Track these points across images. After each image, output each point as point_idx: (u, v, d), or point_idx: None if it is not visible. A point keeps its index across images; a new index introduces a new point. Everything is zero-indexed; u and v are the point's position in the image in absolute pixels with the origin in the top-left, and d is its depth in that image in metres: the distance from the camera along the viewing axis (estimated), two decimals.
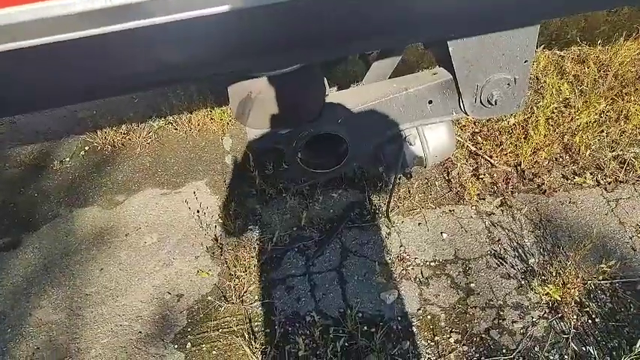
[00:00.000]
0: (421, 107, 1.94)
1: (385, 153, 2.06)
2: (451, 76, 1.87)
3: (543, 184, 2.50)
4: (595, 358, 1.84)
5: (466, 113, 1.96)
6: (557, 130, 2.67)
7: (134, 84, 1.50)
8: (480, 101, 1.91)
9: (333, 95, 2.01)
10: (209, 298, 2.22)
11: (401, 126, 1.98)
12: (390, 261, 2.27)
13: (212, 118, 3.05)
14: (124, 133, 3.04)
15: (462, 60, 1.78)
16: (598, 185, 2.51)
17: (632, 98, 2.78)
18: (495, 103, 1.89)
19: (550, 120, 2.70)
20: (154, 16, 1.17)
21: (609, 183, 2.51)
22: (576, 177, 2.54)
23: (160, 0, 1.14)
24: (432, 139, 2.03)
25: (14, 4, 1.08)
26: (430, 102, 1.94)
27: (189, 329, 2.12)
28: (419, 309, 2.10)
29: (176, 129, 3.08)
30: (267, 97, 1.82)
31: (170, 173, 2.86)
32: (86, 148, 3.03)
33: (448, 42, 1.73)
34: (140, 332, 2.12)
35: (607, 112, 2.77)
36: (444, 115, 1.98)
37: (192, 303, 2.22)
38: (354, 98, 1.95)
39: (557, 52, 3.18)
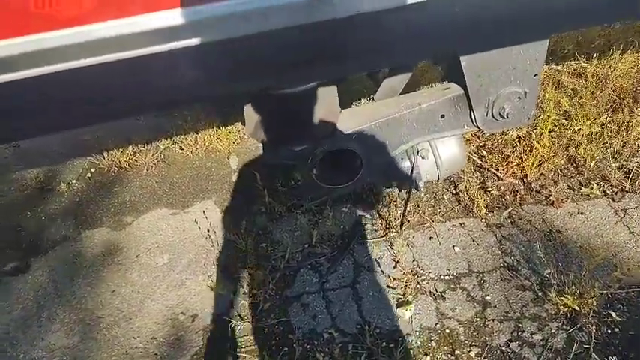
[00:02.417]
0: (434, 122, 1.98)
1: (398, 168, 2.08)
2: (463, 91, 1.91)
3: (550, 195, 2.53)
4: None
5: (477, 127, 2.00)
6: (559, 143, 2.72)
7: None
8: (492, 115, 1.94)
9: (347, 111, 2.03)
10: (224, 317, 2.20)
11: (414, 141, 2.00)
12: (404, 275, 2.27)
13: (218, 138, 3.07)
14: (131, 155, 3.04)
15: (474, 74, 1.82)
16: (605, 196, 2.55)
17: (632, 110, 2.85)
18: (507, 117, 1.93)
19: (552, 132, 2.75)
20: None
21: (616, 193, 2.55)
22: (583, 188, 2.58)
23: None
24: (444, 152, 2.05)
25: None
26: (442, 116, 1.97)
27: (205, 350, 2.09)
28: (437, 323, 2.10)
29: (182, 149, 3.09)
30: (282, 114, 1.84)
31: (178, 193, 2.85)
32: (92, 170, 3.03)
33: (461, 57, 1.77)
34: (156, 354, 2.10)
35: (608, 123, 2.83)
36: (456, 128, 2.01)
37: (208, 323, 2.19)
38: (367, 114, 1.98)
39: (554, 66, 3.25)
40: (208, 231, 2.56)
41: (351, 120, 1.97)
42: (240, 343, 2.09)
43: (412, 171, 2.06)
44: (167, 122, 3.20)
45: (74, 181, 2.98)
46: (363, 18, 1.33)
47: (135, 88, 1.35)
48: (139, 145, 3.09)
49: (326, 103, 1.86)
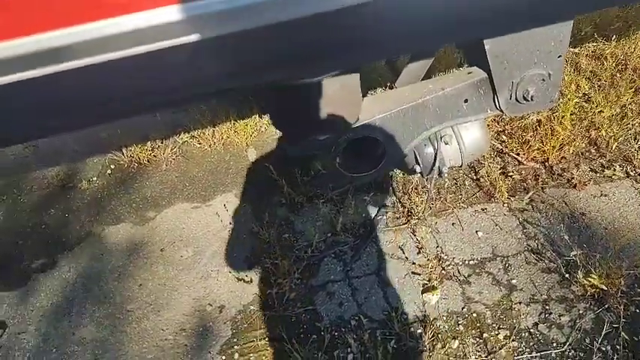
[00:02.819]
0: (457, 106, 1.97)
1: (422, 154, 2.08)
2: (486, 75, 1.90)
3: (573, 178, 2.52)
4: None
5: (501, 110, 1.99)
6: (580, 125, 2.70)
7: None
8: (516, 98, 1.93)
9: (369, 99, 2.03)
10: (251, 307, 2.22)
11: (437, 126, 2.00)
12: (428, 262, 2.28)
13: (236, 131, 3.08)
14: (149, 150, 3.06)
15: (498, 58, 1.81)
16: (628, 177, 2.53)
17: None
18: (531, 99, 1.91)
19: (573, 115, 2.73)
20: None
21: (639, 174, 2.53)
22: (605, 170, 2.56)
23: None
24: (467, 137, 2.04)
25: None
26: (466, 101, 1.96)
27: (234, 339, 2.12)
28: (463, 307, 2.11)
29: (200, 143, 3.11)
30: (305, 103, 1.85)
31: (198, 187, 2.87)
32: (112, 166, 3.05)
33: (484, 41, 1.76)
34: (186, 345, 2.12)
35: (629, 105, 2.81)
36: (480, 113, 2.00)
37: (235, 313, 2.22)
38: (390, 101, 1.97)
39: (572, 49, 3.22)
40: (230, 223, 2.58)
41: (373, 107, 1.96)
42: (268, 333, 2.12)
43: (435, 157, 2.05)
44: (184, 117, 3.21)
45: (95, 178, 3.00)
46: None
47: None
48: (157, 141, 3.10)
49: (348, 91, 1.86)
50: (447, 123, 2.01)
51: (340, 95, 1.86)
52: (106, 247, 2.59)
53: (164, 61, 1.23)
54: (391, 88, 2.25)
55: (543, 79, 1.90)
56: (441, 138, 2.06)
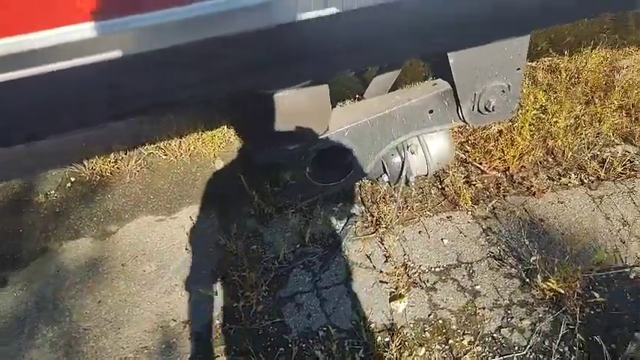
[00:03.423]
0: (423, 117, 2.02)
1: (389, 163, 2.11)
2: (450, 86, 1.96)
3: (532, 186, 2.61)
4: (602, 346, 1.92)
5: (464, 121, 2.05)
6: (538, 136, 2.81)
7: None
8: (478, 109, 2.00)
9: (338, 109, 2.06)
10: (217, 321, 2.18)
11: (404, 136, 2.04)
12: (395, 270, 2.30)
13: (203, 142, 3.04)
14: (112, 162, 2.98)
15: (461, 70, 1.88)
16: (582, 184, 2.65)
17: (603, 102, 2.98)
18: (492, 110, 1.99)
19: (531, 126, 2.83)
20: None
21: (592, 182, 2.65)
22: (562, 178, 2.67)
23: None
24: (433, 147, 2.10)
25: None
26: (431, 111, 2.02)
27: (199, 356, 2.07)
28: (429, 314, 2.13)
29: (166, 155, 3.05)
30: (275, 114, 1.85)
31: (163, 199, 2.81)
32: (72, 179, 2.95)
33: (449, 54, 1.82)
34: None
35: (582, 116, 2.95)
36: (444, 123, 2.06)
37: (200, 328, 2.17)
38: (358, 111, 2.01)
39: (529, 63, 3.36)
40: (196, 236, 2.53)
41: (342, 118, 1.99)
42: (235, 347, 2.08)
43: (403, 166, 2.10)
44: (149, 128, 3.15)
45: (53, 192, 2.89)
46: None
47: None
48: (121, 152, 3.03)
49: (317, 102, 1.88)
50: (414, 133, 2.07)
51: (309, 106, 1.88)
52: (63, 263, 2.49)
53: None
54: (360, 99, 2.28)
55: (503, 91, 1.99)
56: (407, 148, 2.11)
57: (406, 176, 2.12)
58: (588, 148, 2.80)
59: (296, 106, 1.81)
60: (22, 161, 3.12)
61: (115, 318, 2.24)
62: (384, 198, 2.56)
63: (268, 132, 1.89)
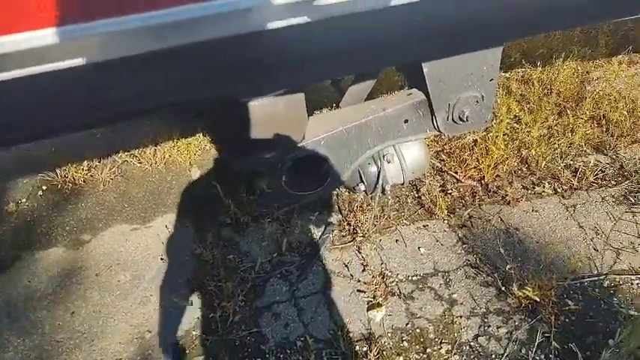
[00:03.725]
0: (398, 126, 2.04)
1: (366, 172, 2.12)
2: (425, 96, 1.98)
3: (507, 195, 2.65)
4: (577, 354, 1.95)
5: (439, 131, 2.07)
6: (512, 145, 2.86)
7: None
8: (452, 118, 2.03)
9: (314, 118, 2.06)
10: (193, 332, 2.14)
11: (380, 145, 2.05)
12: (373, 279, 2.30)
13: (178, 150, 3.01)
14: (86, 170, 2.92)
15: (435, 81, 1.90)
16: (556, 193, 2.70)
17: (575, 113, 3.05)
18: (467, 120, 2.01)
19: (505, 136, 2.88)
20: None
21: (565, 191, 2.71)
22: (536, 187, 2.72)
23: None
24: (409, 156, 2.12)
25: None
26: (406, 121, 2.03)
27: None
28: (407, 323, 2.14)
29: (140, 162, 3.00)
30: (251, 121, 1.84)
31: (138, 208, 2.77)
32: (44, 187, 2.88)
33: (423, 64, 1.84)
34: None
35: (554, 126, 3.01)
36: (419, 133, 2.08)
37: (177, 339, 2.13)
38: (334, 120, 2.01)
39: (503, 74, 3.43)
40: (172, 245, 2.49)
41: (318, 127, 1.99)
42: (211, 358, 2.04)
43: (379, 175, 2.11)
44: (124, 135, 3.11)
45: (24, 200, 2.82)
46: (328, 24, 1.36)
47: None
48: (95, 160, 2.97)
49: (293, 111, 1.88)
50: (389, 142, 2.08)
51: (285, 114, 1.88)
52: (34, 274, 2.42)
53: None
54: (336, 108, 2.29)
55: (477, 101, 2.01)
56: (383, 157, 2.12)
57: (382, 185, 2.13)
58: (561, 157, 2.86)
59: (271, 114, 1.81)
60: None
61: (88, 330, 2.18)
62: (361, 207, 2.56)
63: (244, 140, 1.88)
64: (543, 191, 2.70)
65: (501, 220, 2.57)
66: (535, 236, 2.48)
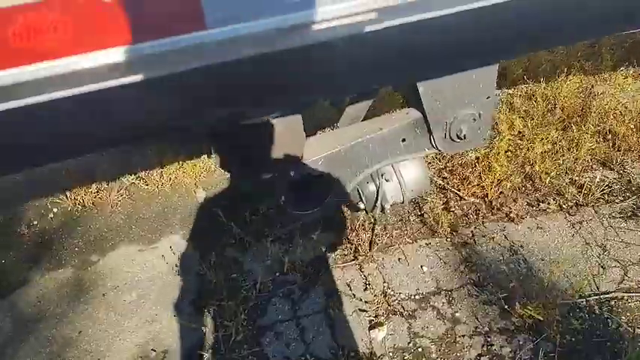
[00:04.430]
0: (395, 145, 2.05)
1: (365, 191, 2.14)
2: (421, 115, 2.00)
3: (511, 212, 2.64)
4: None
5: (437, 149, 2.08)
6: (516, 162, 2.85)
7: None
8: (450, 137, 2.04)
9: (313, 139, 2.09)
10: (196, 351, 2.16)
11: (378, 164, 2.07)
12: (375, 298, 2.30)
13: (184, 172, 3.07)
14: (94, 192, 2.99)
15: (431, 99, 1.92)
16: (561, 210, 2.67)
17: (580, 127, 3.03)
18: (464, 138, 2.02)
19: (508, 152, 2.88)
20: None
21: (571, 207, 2.68)
22: (540, 203, 2.70)
23: None
24: (407, 174, 2.13)
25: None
26: (404, 140, 2.05)
27: None
28: (409, 343, 2.12)
29: (147, 184, 3.07)
30: (250, 143, 1.88)
31: (145, 229, 2.82)
32: (55, 210, 2.95)
33: (418, 83, 1.87)
34: None
35: (559, 141, 2.99)
36: (417, 151, 2.09)
37: (180, 358, 2.15)
38: (332, 140, 2.04)
39: (506, 90, 3.43)
40: (177, 265, 2.53)
41: (316, 147, 2.02)
42: None
43: (378, 194, 2.12)
44: (131, 158, 3.18)
45: (35, 222, 2.90)
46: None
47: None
48: (103, 183, 3.05)
49: (291, 132, 1.91)
50: (387, 161, 2.10)
51: (283, 135, 1.91)
52: (44, 294, 2.48)
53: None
54: (334, 128, 2.32)
55: (474, 119, 2.03)
56: (382, 175, 2.13)
57: (382, 204, 2.14)
58: (567, 173, 2.84)
59: (269, 135, 1.84)
60: (5, 191, 3.14)
61: (95, 348, 2.22)
62: (362, 225, 2.57)
63: (243, 160, 1.92)
64: (548, 208, 2.68)
65: (505, 237, 2.55)
66: (540, 254, 2.45)
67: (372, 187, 2.12)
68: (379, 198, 2.12)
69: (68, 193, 2.97)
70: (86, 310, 2.39)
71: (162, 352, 2.18)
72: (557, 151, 2.95)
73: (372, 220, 2.46)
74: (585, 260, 2.41)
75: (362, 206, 2.16)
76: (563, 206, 2.69)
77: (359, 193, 2.14)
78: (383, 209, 2.16)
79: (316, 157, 2.00)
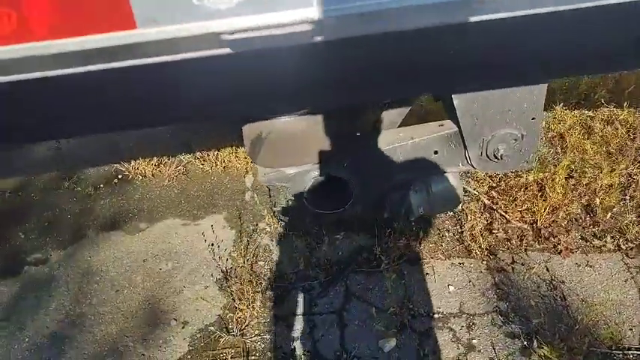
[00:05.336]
0: (426, 157, 1.98)
1: (390, 200, 2.09)
2: (457, 129, 1.91)
3: (559, 243, 2.43)
4: None
5: (472, 166, 1.98)
6: (577, 190, 2.62)
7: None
8: (486, 155, 1.93)
9: (342, 139, 2.08)
10: (211, 328, 2.27)
11: (406, 174, 2.02)
12: (392, 309, 2.25)
13: (237, 156, 3.20)
14: (156, 165, 3.22)
15: (466, 114, 1.82)
16: (619, 250, 2.42)
17: None
18: (501, 158, 1.90)
19: (572, 179, 2.65)
20: None
21: (631, 249, 2.41)
22: (596, 239, 2.46)
23: None
24: (437, 187, 2.05)
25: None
26: (436, 152, 1.97)
27: (188, 357, 2.17)
28: None
29: (203, 164, 3.24)
30: (277, 138, 1.92)
31: (192, 205, 2.99)
32: (119, 176, 3.23)
33: (453, 96, 1.78)
34: (143, 354, 2.19)
35: (634, 175, 2.70)
36: (450, 165, 2.00)
37: (196, 331, 2.27)
38: (361, 143, 2.02)
39: (586, 112, 3.15)
40: (212, 244, 2.65)
41: (345, 148, 2.01)
42: (222, 355, 2.15)
43: (404, 203, 2.07)
44: (192, 137, 3.38)
45: (102, 185, 3.19)
46: None
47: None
48: (164, 157, 3.27)
49: (319, 130, 1.92)
50: (417, 172, 2.03)
51: (310, 133, 1.93)
52: (94, 251, 2.73)
53: None
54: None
55: (515, 139, 1.89)
56: (410, 186, 2.07)
57: (407, 214, 2.08)
58: (635, 211, 2.55)
59: (296, 132, 1.87)
60: (86, 152, 3.48)
61: (126, 308, 2.42)
62: (394, 234, 2.51)
63: (269, 155, 1.96)
64: (604, 245, 2.43)
65: (547, 269, 2.36)
66: (582, 293, 2.24)
67: (398, 197, 2.06)
68: (405, 209, 2.06)
69: (133, 163, 3.23)
70: (126, 272, 2.60)
71: (181, 323, 2.31)
72: (629, 186, 2.66)
73: (403, 230, 2.40)
74: (634, 309, 2.16)
75: (385, 215, 2.11)
76: (622, 246, 2.42)
77: (385, 201, 2.10)
78: (409, 220, 2.10)
79: (342, 158, 1.99)
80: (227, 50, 1.04)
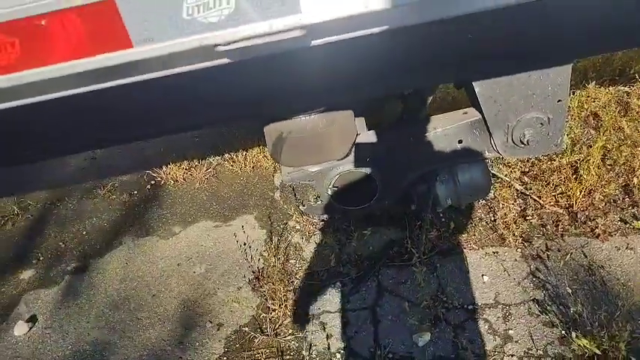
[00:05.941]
0: (451, 146, 1.94)
1: (417, 192, 2.06)
2: (480, 116, 1.86)
3: (597, 227, 2.34)
4: None
5: (499, 152, 1.93)
6: (615, 171, 2.51)
7: None
8: (512, 141, 1.87)
9: (364, 134, 2.06)
10: (245, 329, 2.30)
11: (432, 165, 1.98)
12: (425, 302, 2.22)
13: (265, 156, 3.22)
14: (186, 169, 3.28)
15: (489, 100, 1.77)
16: None
17: None
18: (528, 143, 1.84)
19: (608, 159, 2.54)
20: None
21: None
22: (635, 220, 2.35)
23: None
24: (464, 178, 2.00)
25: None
26: (460, 141, 1.93)
27: (224, 358, 2.21)
28: (452, 354, 2.03)
29: (232, 165, 3.28)
30: (298, 136, 1.92)
31: (223, 207, 3.03)
32: (152, 182, 3.31)
33: (473, 82, 1.73)
34: (180, 358, 2.25)
35: None
36: (476, 154, 1.95)
37: (230, 333, 2.31)
38: (385, 137, 1.99)
39: (622, 87, 3.01)
40: (244, 245, 2.68)
41: (367, 142, 1.99)
42: (257, 356, 2.18)
43: (430, 196, 2.03)
44: (220, 139, 3.42)
45: (135, 192, 3.28)
46: None
47: None
48: (195, 161, 3.33)
49: (341, 127, 1.91)
50: (442, 162, 1.99)
51: (333, 130, 1.92)
52: (131, 258, 2.81)
53: None
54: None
55: (542, 123, 1.83)
56: (436, 177, 2.03)
57: (434, 205, 2.04)
58: None
59: (316, 129, 1.86)
60: (118, 161, 3.58)
61: (163, 312, 2.48)
62: (423, 226, 2.48)
63: (291, 153, 1.96)
64: None
65: (584, 255, 2.28)
66: (623, 277, 2.15)
67: (424, 188, 2.03)
68: (431, 200, 2.03)
69: (164, 168, 3.30)
70: (161, 276, 2.66)
71: (216, 325, 2.35)
72: None
73: (434, 222, 2.36)
74: None
75: (412, 207, 2.08)
76: None
77: (411, 194, 2.06)
78: (435, 211, 2.06)
79: (366, 152, 1.97)
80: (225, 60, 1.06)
